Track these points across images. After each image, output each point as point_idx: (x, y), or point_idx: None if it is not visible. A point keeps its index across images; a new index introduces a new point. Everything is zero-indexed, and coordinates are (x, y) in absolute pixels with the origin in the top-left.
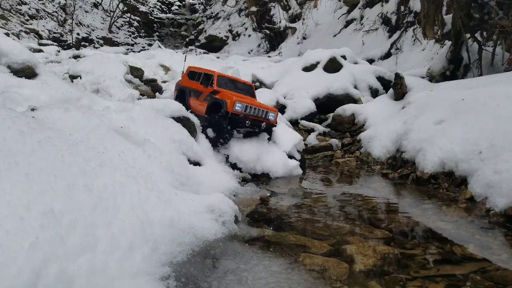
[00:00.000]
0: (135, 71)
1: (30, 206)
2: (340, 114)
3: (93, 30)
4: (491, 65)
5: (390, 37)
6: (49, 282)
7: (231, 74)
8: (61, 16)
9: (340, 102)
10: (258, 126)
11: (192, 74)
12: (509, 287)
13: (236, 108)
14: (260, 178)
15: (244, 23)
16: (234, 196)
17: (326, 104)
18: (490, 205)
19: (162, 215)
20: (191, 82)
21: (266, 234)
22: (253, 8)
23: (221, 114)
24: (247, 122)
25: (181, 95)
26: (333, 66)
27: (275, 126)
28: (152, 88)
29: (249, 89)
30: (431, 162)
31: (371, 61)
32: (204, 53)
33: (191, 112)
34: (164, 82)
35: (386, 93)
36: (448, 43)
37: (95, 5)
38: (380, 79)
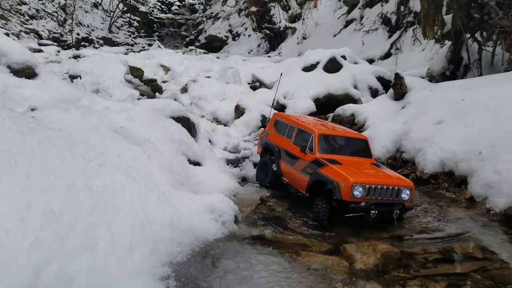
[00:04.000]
0: (135, 71)
1: (30, 206)
2: (340, 114)
3: (93, 30)
4: (491, 65)
5: (390, 37)
6: (49, 282)
7: (231, 74)
8: (61, 16)
9: (340, 102)
10: (387, 212)
11: (280, 125)
12: (509, 286)
13: (355, 193)
14: None
15: (244, 23)
16: (234, 196)
17: (326, 104)
18: (490, 205)
19: (162, 215)
20: (280, 138)
21: (266, 234)
22: (253, 8)
23: (328, 202)
24: (372, 212)
25: (266, 153)
26: (333, 66)
27: (412, 208)
28: (152, 88)
29: (362, 147)
30: (431, 162)
31: (371, 61)
32: (204, 53)
33: (286, 184)
34: (164, 82)
35: (386, 93)
36: (448, 43)
37: (95, 5)
38: (380, 79)
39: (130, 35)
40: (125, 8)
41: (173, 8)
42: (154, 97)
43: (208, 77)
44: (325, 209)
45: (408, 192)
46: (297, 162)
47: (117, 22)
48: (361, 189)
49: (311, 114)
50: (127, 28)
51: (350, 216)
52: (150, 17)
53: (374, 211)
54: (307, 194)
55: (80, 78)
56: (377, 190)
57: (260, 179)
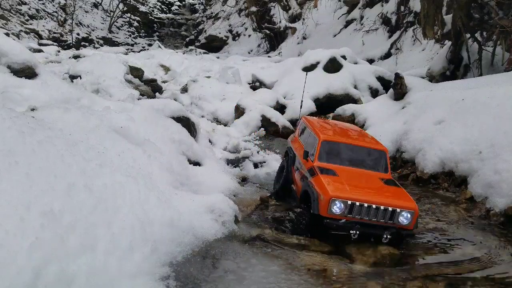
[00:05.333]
0: (135, 71)
1: (30, 206)
2: (340, 114)
3: (93, 30)
4: (491, 65)
5: (390, 37)
6: (49, 282)
7: (231, 74)
8: (61, 16)
9: (340, 102)
10: (373, 235)
11: (302, 128)
12: (509, 287)
13: (333, 209)
14: None
15: (244, 23)
16: (234, 196)
17: (326, 104)
18: (490, 205)
19: (162, 215)
20: (298, 143)
21: (266, 234)
22: (253, 8)
23: (309, 215)
24: (352, 231)
25: (285, 158)
26: (333, 66)
27: (411, 235)
28: (152, 88)
29: (376, 159)
30: (431, 162)
31: (371, 61)
32: (204, 53)
33: (294, 192)
34: (164, 82)
35: (386, 93)
36: (448, 43)
37: (95, 5)
38: (380, 79)
39: (130, 35)
40: (125, 8)
41: (173, 8)
42: (154, 97)
43: (208, 77)
44: (306, 222)
45: (407, 215)
46: (301, 169)
47: (117, 22)
48: (341, 205)
49: (312, 114)
50: (127, 28)
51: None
52: (150, 17)
53: (355, 232)
54: (301, 204)
55: (80, 78)
56: (362, 208)
57: (274, 186)
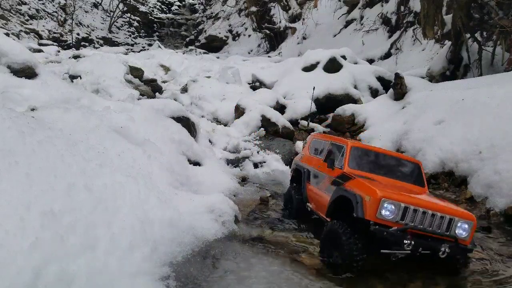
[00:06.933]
0: (135, 71)
1: (30, 206)
2: (340, 114)
3: (93, 30)
4: (491, 65)
5: (390, 37)
6: (49, 282)
7: (231, 74)
8: (61, 16)
9: (340, 102)
10: (432, 249)
11: (316, 144)
12: (509, 287)
13: (383, 212)
14: None
15: (244, 23)
16: (234, 196)
17: (326, 104)
18: (490, 205)
19: (162, 215)
20: (312, 158)
21: (266, 234)
22: (253, 8)
23: (349, 222)
24: (406, 242)
25: (296, 178)
26: (333, 66)
27: (470, 250)
28: (152, 88)
29: (411, 172)
30: (431, 162)
31: (371, 61)
32: (204, 53)
33: (310, 211)
34: (164, 82)
35: (386, 93)
36: (448, 43)
37: (95, 5)
38: (380, 79)
39: (130, 35)
40: (125, 8)
41: (173, 8)
42: (154, 97)
43: (208, 77)
44: (344, 232)
45: (465, 226)
46: (323, 180)
47: (117, 22)
48: (392, 207)
49: (311, 114)
50: (127, 28)
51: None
52: (150, 17)
53: (409, 242)
54: (328, 217)
55: (80, 78)
56: (417, 213)
57: (286, 207)
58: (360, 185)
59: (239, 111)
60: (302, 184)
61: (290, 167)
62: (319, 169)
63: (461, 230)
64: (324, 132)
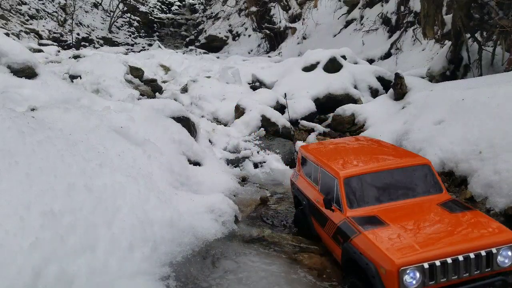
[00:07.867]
0: (135, 71)
1: (30, 206)
2: (340, 114)
3: (93, 30)
4: (491, 65)
5: (390, 37)
6: (49, 282)
7: (231, 74)
8: (61, 16)
9: (340, 102)
10: None
11: (307, 166)
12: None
13: (406, 283)
14: None
15: (244, 23)
16: (234, 196)
17: (326, 104)
18: (490, 205)
19: (162, 215)
20: (307, 184)
21: (266, 234)
22: (253, 8)
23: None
24: None
25: (298, 205)
26: (333, 66)
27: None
28: (152, 88)
29: (422, 178)
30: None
31: (371, 61)
32: (204, 53)
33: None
34: (164, 82)
35: (386, 93)
36: (448, 43)
37: (95, 5)
38: (380, 79)
39: (130, 35)
40: (125, 8)
41: (173, 8)
42: (154, 97)
43: (208, 77)
44: None
45: (508, 253)
46: (327, 224)
47: (117, 22)
48: (415, 274)
49: (312, 114)
50: (127, 28)
51: None
52: (150, 17)
53: None
54: (345, 273)
55: (80, 78)
56: (447, 266)
57: (296, 225)
58: (370, 246)
59: (239, 111)
60: (307, 217)
61: (290, 167)
62: (318, 204)
63: (503, 258)
64: (324, 132)
